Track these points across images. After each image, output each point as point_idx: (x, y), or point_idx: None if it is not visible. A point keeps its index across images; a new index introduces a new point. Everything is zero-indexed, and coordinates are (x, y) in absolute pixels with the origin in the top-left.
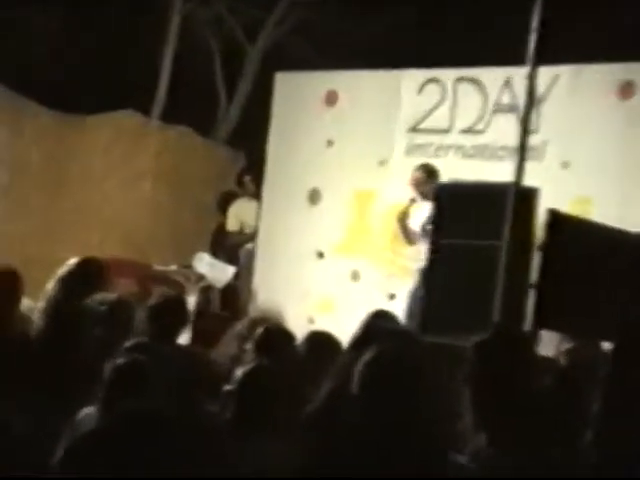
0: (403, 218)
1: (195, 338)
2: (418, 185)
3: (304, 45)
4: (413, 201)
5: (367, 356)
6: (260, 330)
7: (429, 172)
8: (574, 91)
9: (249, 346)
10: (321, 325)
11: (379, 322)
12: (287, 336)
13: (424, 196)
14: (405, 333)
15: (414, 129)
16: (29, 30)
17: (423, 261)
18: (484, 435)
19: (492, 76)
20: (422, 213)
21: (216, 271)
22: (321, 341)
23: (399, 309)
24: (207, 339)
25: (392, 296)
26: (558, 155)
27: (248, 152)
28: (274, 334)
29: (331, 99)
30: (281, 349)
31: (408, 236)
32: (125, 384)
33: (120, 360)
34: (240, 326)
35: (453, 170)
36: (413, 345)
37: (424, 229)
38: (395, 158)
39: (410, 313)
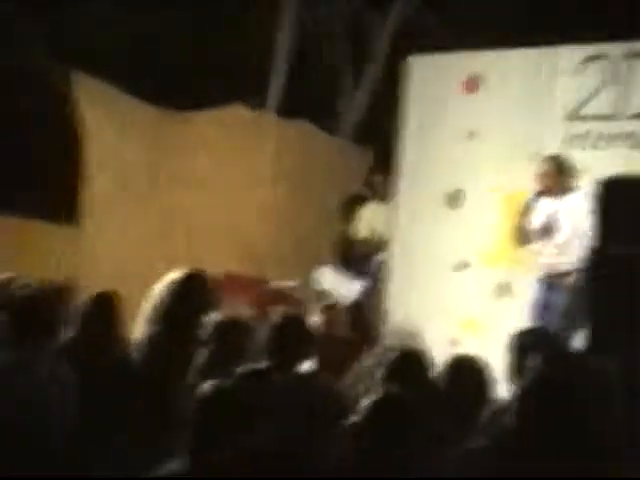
0: (523, 214)
1: (319, 365)
2: (545, 179)
3: (440, 23)
4: (538, 196)
5: (527, 384)
6: (393, 355)
7: (559, 165)
8: None
9: (380, 374)
10: (466, 348)
11: (532, 342)
12: (425, 362)
13: (551, 192)
14: (569, 356)
15: (573, 116)
16: (130, 29)
17: (543, 261)
18: None
19: None
20: (545, 210)
21: (342, 287)
22: (465, 367)
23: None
24: (332, 366)
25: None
26: None
27: (377, 148)
28: (410, 359)
29: (472, 84)
30: (418, 377)
31: (522, 235)
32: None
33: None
34: (373, 357)
35: (620, 162)
36: (580, 369)
37: (545, 227)
38: (549, 151)
39: (543, 323)
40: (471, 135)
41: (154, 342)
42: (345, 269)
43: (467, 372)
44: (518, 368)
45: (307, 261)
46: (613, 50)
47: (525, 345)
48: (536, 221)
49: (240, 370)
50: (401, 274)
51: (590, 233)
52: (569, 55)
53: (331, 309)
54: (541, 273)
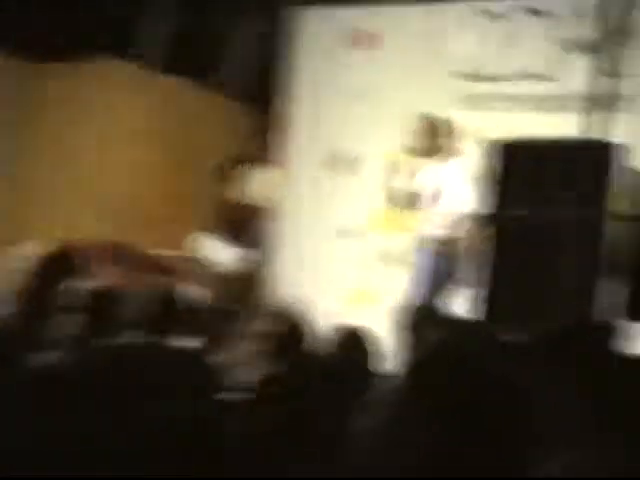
0: (398, 173)
1: (202, 339)
2: (418, 138)
3: None
4: (412, 152)
5: (425, 354)
6: (280, 328)
7: (431, 124)
8: None
9: (266, 347)
10: (355, 320)
11: (422, 316)
12: (313, 335)
13: (425, 153)
14: (468, 324)
15: (463, 75)
16: None
17: (433, 229)
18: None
19: (562, 3)
20: (432, 175)
21: (223, 255)
22: (353, 338)
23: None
24: (216, 339)
25: None
26: None
27: (265, 108)
28: (297, 333)
29: (365, 41)
30: (304, 351)
31: (410, 197)
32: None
33: None
34: (255, 326)
35: (516, 125)
36: (481, 338)
37: (433, 193)
38: (441, 112)
39: (429, 293)
40: (363, 94)
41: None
42: (228, 236)
43: (354, 344)
44: (409, 343)
45: (186, 228)
46: (500, 6)
47: (415, 320)
48: (423, 185)
49: (113, 342)
50: (288, 242)
51: (473, 200)
52: (458, 12)
53: (213, 280)
54: (426, 241)
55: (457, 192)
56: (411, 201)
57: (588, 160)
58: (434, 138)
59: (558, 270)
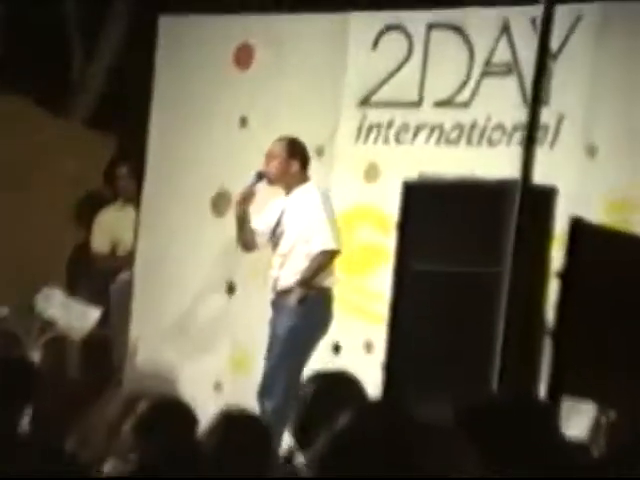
0: (243, 205)
1: (39, 418)
2: (270, 161)
3: None
4: (260, 178)
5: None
6: (142, 406)
7: (292, 146)
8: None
9: (125, 431)
10: (234, 393)
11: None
12: (185, 417)
13: (280, 183)
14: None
15: (366, 101)
16: None
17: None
18: None
19: (481, 21)
20: (275, 208)
21: (73, 314)
22: (240, 425)
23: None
24: (58, 416)
25: (336, 347)
26: (580, 137)
27: (120, 135)
28: (163, 413)
29: (244, 57)
30: (175, 434)
31: (246, 236)
32: None
33: None
34: (112, 407)
35: (424, 161)
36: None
37: (274, 233)
38: (338, 144)
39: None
40: (243, 122)
41: None
42: (79, 291)
43: (241, 430)
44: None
45: (27, 281)
46: (414, 19)
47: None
48: (263, 222)
49: None
50: (150, 298)
51: (321, 236)
52: (363, 23)
53: (58, 343)
54: (276, 293)
55: (299, 229)
56: (245, 241)
57: (502, 204)
58: (287, 163)
59: (463, 336)
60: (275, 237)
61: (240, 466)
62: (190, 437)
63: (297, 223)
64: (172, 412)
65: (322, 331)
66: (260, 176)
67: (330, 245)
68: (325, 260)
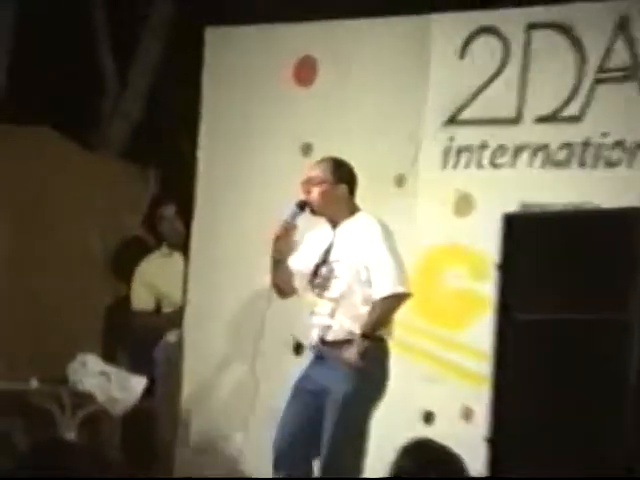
0: (282, 242)
1: None
2: (318, 190)
3: None
4: (302, 208)
5: None
6: None
7: (338, 168)
8: None
9: None
10: None
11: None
12: None
13: (328, 213)
14: None
15: (454, 120)
16: None
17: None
18: None
19: (593, 18)
20: (316, 244)
21: (113, 385)
22: None
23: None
24: None
25: (428, 416)
26: None
27: (162, 169)
28: None
29: (306, 73)
30: None
31: (282, 278)
32: None
33: None
34: None
35: (526, 188)
36: None
37: (317, 274)
38: (422, 172)
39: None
40: (306, 149)
41: None
42: (118, 358)
43: None
44: None
45: (58, 347)
46: (510, 19)
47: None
48: (302, 261)
49: None
50: (203, 362)
51: (386, 277)
52: (447, 28)
53: (96, 420)
54: (312, 340)
55: (353, 269)
56: (281, 285)
57: (627, 235)
58: (333, 189)
59: (582, 396)
60: (319, 278)
61: None
62: None
63: (351, 261)
64: None
65: (383, 393)
66: (302, 206)
67: (399, 288)
68: (393, 306)
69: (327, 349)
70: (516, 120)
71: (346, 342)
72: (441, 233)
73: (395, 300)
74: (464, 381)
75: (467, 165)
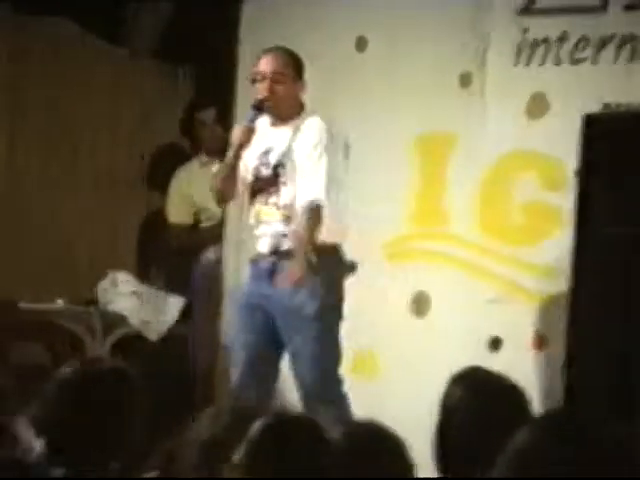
0: (241, 150)
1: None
2: (276, 88)
3: None
4: (259, 110)
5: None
6: (254, 425)
7: (297, 61)
8: None
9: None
10: (359, 402)
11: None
12: (309, 430)
13: (280, 112)
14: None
15: (528, 9)
16: None
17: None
18: None
19: None
20: (272, 142)
21: (148, 307)
22: (373, 436)
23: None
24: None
25: (495, 342)
26: None
27: (200, 70)
28: (283, 429)
29: None
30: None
31: (228, 184)
32: None
33: None
34: (204, 421)
35: (610, 86)
36: None
37: (257, 177)
38: (491, 70)
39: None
40: (361, 43)
41: None
42: (153, 276)
43: (376, 442)
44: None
45: (86, 265)
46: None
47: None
48: (244, 164)
49: None
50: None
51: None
52: None
53: (129, 344)
54: (262, 251)
55: (300, 173)
56: (225, 190)
57: None
58: (294, 85)
59: None
60: (261, 182)
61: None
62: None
63: (300, 164)
64: (298, 429)
65: (342, 302)
66: (260, 107)
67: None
68: (320, 215)
69: (281, 261)
70: (601, 8)
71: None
72: (511, 138)
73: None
74: (535, 304)
75: (542, 61)
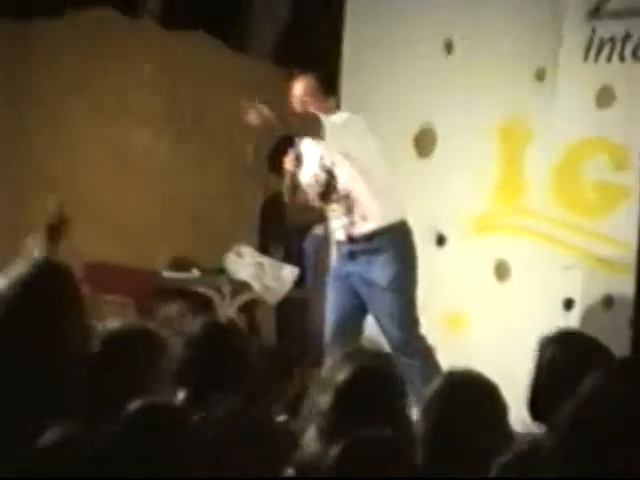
0: (294, 171)
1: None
2: (303, 103)
3: None
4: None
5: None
6: (345, 374)
7: (324, 81)
8: None
9: (326, 401)
10: (450, 356)
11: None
12: (392, 383)
13: (310, 131)
14: None
15: (596, 12)
16: None
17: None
18: None
19: None
20: (309, 153)
21: (268, 275)
22: (467, 386)
23: (579, 323)
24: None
25: (569, 303)
26: None
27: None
28: (371, 380)
29: None
30: (387, 406)
31: (300, 199)
32: None
33: None
34: (322, 374)
35: None
36: None
37: (318, 181)
38: (563, 65)
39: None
40: (448, 46)
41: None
42: (273, 250)
43: (466, 398)
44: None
45: (217, 239)
46: None
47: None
48: (307, 173)
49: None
50: None
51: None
52: None
53: (252, 309)
54: (339, 238)
55: (347, 162)
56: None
57: None
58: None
59: None
60: (323, 187)
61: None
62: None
63: (343, 159)
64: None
65: (417, 265)
66: (292, 140)
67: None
68: None
69: (357, 245)
70: None
71: (373, 234)
72: (582, 125)
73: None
74: (605, 269)
75: (609, 57)
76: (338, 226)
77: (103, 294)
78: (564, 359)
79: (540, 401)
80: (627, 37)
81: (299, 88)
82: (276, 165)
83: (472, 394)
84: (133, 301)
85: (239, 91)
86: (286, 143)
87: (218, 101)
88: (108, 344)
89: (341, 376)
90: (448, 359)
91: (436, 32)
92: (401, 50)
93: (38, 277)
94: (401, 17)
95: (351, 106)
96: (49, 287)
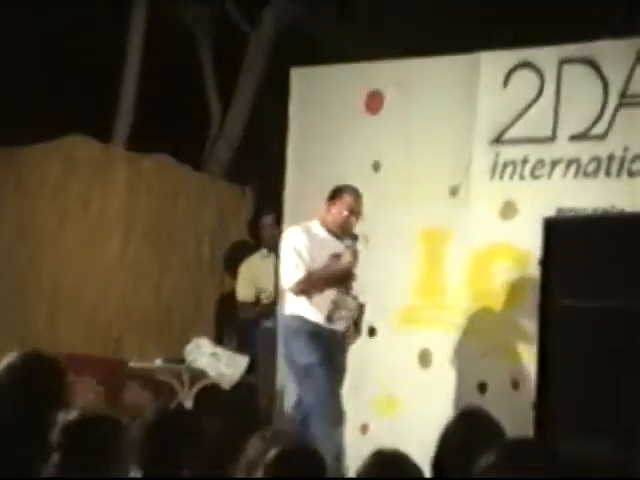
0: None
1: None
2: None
3: (331, 26)
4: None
5: None
6: (281, 450)
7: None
8: None
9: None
10: (379, 435)
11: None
12: (317, 463)
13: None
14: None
15: (499, 139)
16: None
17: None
18: None
19: (614, 53)
20: (330, 246)
21: (222, 364)
22: (390, 465)
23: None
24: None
25: (482, 386)
26: None
27: (258, 188)
28: (297, 458)
29: (375, 103)
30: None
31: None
32: None
33: None
34: (252, 450)
35: (561, 195)
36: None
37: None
38: (473, 183)
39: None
40: (376, 166)
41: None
42: (226, 341)
43: (395, 470)
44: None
45: (177, 333)
46: (545, 55)
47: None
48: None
49: None
50: None
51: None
52: (493, 63)
53: (207, 394)
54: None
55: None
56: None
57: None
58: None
59: (623, 373)
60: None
61: None
62: None
63: None
64: (301, 458)
65: None
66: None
67: None
68: None
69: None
70: (552, 139)
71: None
72: (490, 233)
73: None
74: (512, 356)
75: (511, 176)
76: (345, 318)
77: (79, 381)
78: (461, 433)
79: (439, 466)
80: (525, 160)
81: (360, 205)
82: (229, 268)
83: (399, 472)
84: (103, 389)
85: (197, 203)
86: (238, 250)
87: (180, 210)
88: (68, 431)
89: (269, 455)
90: (378, 440)
91: (366, 154)
92: (337, 168)
93: (29, 370)
94: (339, 140)
95: (294, 214)
96: (41, 379)
